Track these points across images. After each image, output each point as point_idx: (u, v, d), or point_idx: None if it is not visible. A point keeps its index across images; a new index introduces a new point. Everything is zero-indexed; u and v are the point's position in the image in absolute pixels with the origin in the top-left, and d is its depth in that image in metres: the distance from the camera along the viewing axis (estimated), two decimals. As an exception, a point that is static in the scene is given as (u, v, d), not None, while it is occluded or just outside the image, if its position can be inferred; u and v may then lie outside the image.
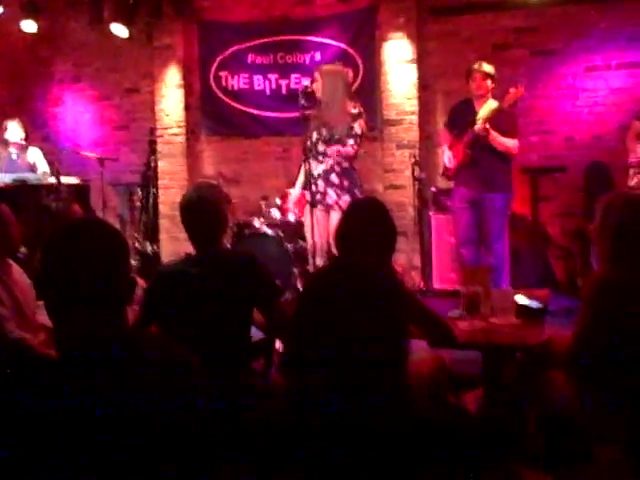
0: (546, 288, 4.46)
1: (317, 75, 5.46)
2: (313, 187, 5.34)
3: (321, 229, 5.31)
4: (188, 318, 2.99)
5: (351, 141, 5.33)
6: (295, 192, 5.76)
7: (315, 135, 5.40)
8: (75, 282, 1.64)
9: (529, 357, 3.44)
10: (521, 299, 3.52)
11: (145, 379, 1.62)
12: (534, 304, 3.52)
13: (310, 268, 5.54)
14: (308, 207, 5.38)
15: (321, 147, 5.41)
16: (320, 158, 5.39)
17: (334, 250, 5.15)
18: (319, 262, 5.26)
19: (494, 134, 5.44)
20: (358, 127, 5.35)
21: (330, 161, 5.37)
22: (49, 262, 1.69)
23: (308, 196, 5.39)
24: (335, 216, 5.29)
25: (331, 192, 5.38)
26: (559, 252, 6.87)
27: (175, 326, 3.02)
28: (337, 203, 5.36)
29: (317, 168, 5.38)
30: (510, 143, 5.51)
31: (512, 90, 5.43)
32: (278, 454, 2.60)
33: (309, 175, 5.36)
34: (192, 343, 1.82)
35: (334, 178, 5.39)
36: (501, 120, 5.50)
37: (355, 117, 5.37)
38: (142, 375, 1.62)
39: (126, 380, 1.60)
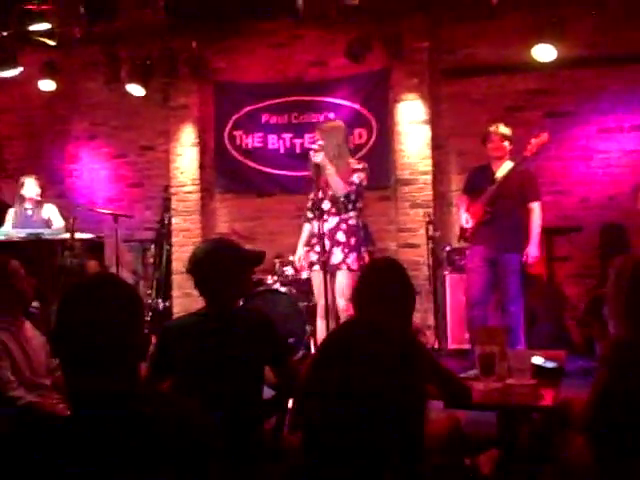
0: (562, 349, 4.40)
1: (317, 133, 5.48)
2: (317, 247, 5.30)
3: (325, 290, 5.17)
4: (198, 374, 2.95)
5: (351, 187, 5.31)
6: (300, 252, 5.64)
7: (320, 194, 5.33)
8: (90, 339, 1.64)
9: (545, 419, 3.38)
10: (537, 360, 3.47)
11: (158, 438, 1.59)
12: (550, 364, 3.47)
13: (317, 329, 5.49)
14: (314, 268, 5.37)
15: (326, 205, 5.36)
16: (325, 217, 5.32)
17: (341, 310, 5.17)
18: (324, 323, 5.22)
19: None
20: (357, 178, 5.32)
21: (336, 219, 5.33)
22: (65, 318, 1.68)
23: (312, 257, 5.38)
24: (342, 276, 5.26)
25: (337, 251, 5.30)
26: (575, 314, 6.81)
27: (185, 383, 2.97)
28: (344, 262, 5.28)
29: (321, 228, 5.26)
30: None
31: (534, 140, 5.46)
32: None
33: (312, 235, 5.38)
34: (202, 400, 1.79)
35: (340, 236, 5.33)
36: (523, 182, 5.52)
37: (356, 170, 5.36)
38: (155, 434, 1.59)
39: (139, 439, 1.57)
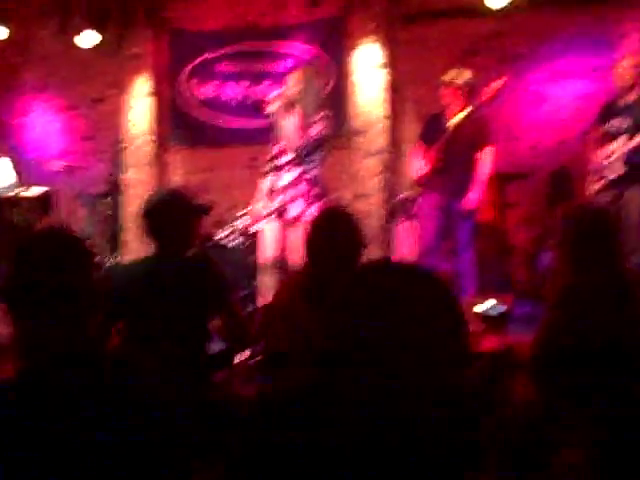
0: (508, 294, 4.48)
1: (298, 75, 5.32)
2: (278, 199, 5.25)
3: (277, 244, 5.19)
4: (149, 317, 2.96)
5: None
6: (259, 205, 5.52)
7: (277, 147, 5.27)
8: (41, 289, 1.65)
9: (492, 363, 3.45)
10: (481, 307, 3.53)
11: (110, 395, 1.60)
12: (494, 311, 3.53)
13: (258, 284, 5.43)
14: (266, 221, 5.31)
15: (288, 157, 5.24)
16: (287, 168, 5.22)
17: (291, 265, 5.13)
18: (270, 278, 5.20)
19: None
20: (315, 129, 5.23)
21: (298, 170, 5.22)
22: (16, 271, 1.69)
23: (268, 209, 5.31)
24: (297, 231, 5.12)
25: (298, 203, 5.21)
26: (522, 258, 6.90)
27: (136, 326, 2.99)
28: (305, 214, 5.16)
29: (282, 179, 5.21)
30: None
31: (493, 84, 5.45)
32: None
33: (271, 188, 5.31)
34: (152, 344, 1.81)
35: (302, 188, 5.25)
36: (476, 128, 5.52)
37: (318, 120, 5.28)
38: (108, 390, 1.60)
39: (91, 397, 1.58)
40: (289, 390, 1.46)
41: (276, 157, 5.28)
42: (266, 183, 5.43)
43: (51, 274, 1.66)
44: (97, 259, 7.42)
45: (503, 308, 3.62)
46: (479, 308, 3.52)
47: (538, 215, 6.89)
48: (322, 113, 5.36)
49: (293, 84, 5.25)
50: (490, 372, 3.44)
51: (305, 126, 5.20)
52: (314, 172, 5.31)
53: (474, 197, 5.52)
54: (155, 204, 3.15)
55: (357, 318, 1.30)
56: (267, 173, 5.44)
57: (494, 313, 3.52)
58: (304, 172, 5.27)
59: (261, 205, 5.43)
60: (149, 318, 2.96)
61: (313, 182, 5.28)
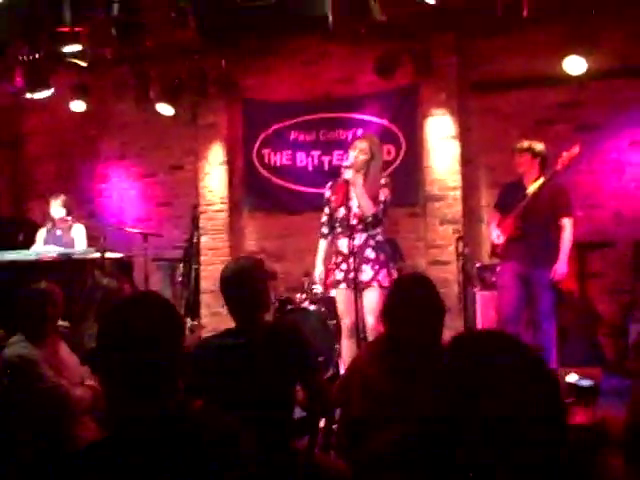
0: (596, 367, 4.32)
1: (363, 144, 5.34)
2: (343, 265, 5.24)
3: (352, 309, 5.09)
4: (230, 392, 2.92)
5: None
6: (320, 269, 5.49)
7: (343, 210, 5.25)
8: (134, 357, 1.63)
9: (583, 438, 3.30)
10: (572, 378, 3.41)
11: (199, 456, 1.57)
12: (585, 383, 3.40)
13: (343, 349, 5.41)
14: (340, 287, 5.30)
15: (353, 222, 5.19)
16: (350, 233, 5.12)
17: (370, 329, 5.10)
18: (349, 342, 5.18)
19: None
20: (382, 195, 5.26)
21: (364, 236, 5.23)
22: (108, 336, 1.67)
23: (338, 275, 5.31)
24: (372, 293, 5.16)
25: (366, 268, 5.19)
26: (609, 330, 6.69)
27: (217, 401, 2.95)
28: (375, 279, 5.18)
29: (346, 245, 5.16)
30: None
31: (565, 154, 5.39)
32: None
33: (336, 253, 5.32)
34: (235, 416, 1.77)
35: (369, 253, 5.24)
36: (555, 197, 5.44)
37: (382, 187, 5.29)
38: (196, 453, 1.57)
39: (184, 462, 1.56)
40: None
41: (343, 221, 5.27)
42: (324, 245, 5.47)
43: (144, 339, 1.64)
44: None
45: (592, 381, 3.47)
46: (571, 378, 3.39)
47: (623, 285, 6.69)
48: (385, 180, 5.39)
49: (361, 152, 5.29)
50: (583, 447, 3.29)
51: (373, 193, 5.22)
52: (379, 237, 5.32)
53: (561, 268, 5.40)
54: (226, 273, 3.15)
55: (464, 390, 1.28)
56: (325, 236, 5.46)
57: (586, 385, 3.38)
58: (369, 237, 5.27)
59: (321, 270, 5.46)
60: (229, 393, 2.93)
61: (378, 248, 5.28)
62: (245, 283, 3.09)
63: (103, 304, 5.77)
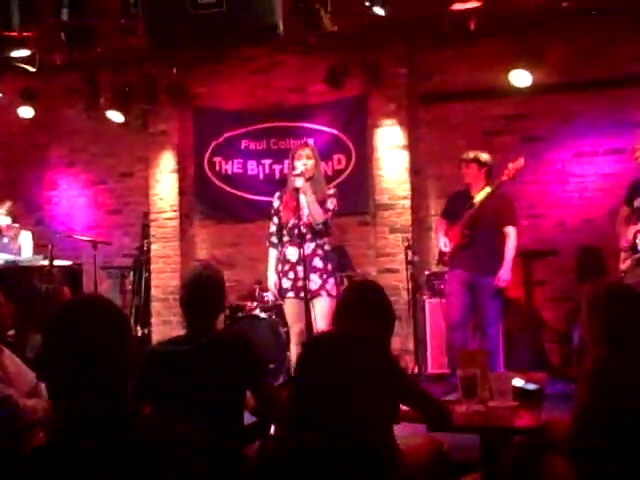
0: (542, 372, 4.42)
1: (308, 151, 5.32)
2: (290, 274, 5.23)
3: (301, 317, 5.11)
4: (177, 399, 2.93)
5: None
6: (273, 278, 5.41)
7: (293, 219, 5.22)
8: (80, 361, 1.62)
9: (528, 441, 3.37)
10: (518, 382, 3.48)
11: (150, 460, 1.58)
12: (531, 386, 3.48)
13: (292, 356, 5.39)
14: (288, 295, 5.26)
15: (303, 230, 5.13)
16: (300, 242, 5.07)
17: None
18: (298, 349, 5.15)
19: None
20: (330, 204, 5.24)
21: (312, 245, 5.22)
22: (53, 341, 1.67)
23: (285, 284, 5.26)
24: (322, 302, 5.12)
25: (314, 277, 5.16)
26: (553, 336, 6.83)
27: (164, 408, 2.96)
28: (323, 288, 5.16)
29: (295, 253, 5.18)
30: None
31: (511, 165, 5.51)
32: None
33: (282, 261, 5.28)
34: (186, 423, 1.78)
35: (317, 262, 5.22)
36: (500, 206, 5.56)
37: (330, 196, 5.29)
38: (147, 457, 1.58)
39: (134, 465, 1.56)
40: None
41: (292, 230, 5.25)
42: (274, 255, 5.42)
43: (90, 343, 1.64)
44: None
45: (536, 386, 3.55)
46: (517, 382, 3.46)
47: (567, 292, 6.85)
48: (333, 190, 5.40)
49: (308, 158, 5.28)
50: (526, 449, 3.36)
51: (321, 199, 5.23)
52: (327, 247, 5.33)
53: (505, 275, 5.51)
54: (190, 279, 3.19)
55: None
56: (274, 245, 5.42)
57: (531, 389, 3.46)
58: (317, 247, 5.27)
59: (275, 278, 5.39)
60: (177, 399, 2.93)
61: (326, 257, 5.29)
62: (208, 290, 3.14)
63: (44, 311, 5.69)
